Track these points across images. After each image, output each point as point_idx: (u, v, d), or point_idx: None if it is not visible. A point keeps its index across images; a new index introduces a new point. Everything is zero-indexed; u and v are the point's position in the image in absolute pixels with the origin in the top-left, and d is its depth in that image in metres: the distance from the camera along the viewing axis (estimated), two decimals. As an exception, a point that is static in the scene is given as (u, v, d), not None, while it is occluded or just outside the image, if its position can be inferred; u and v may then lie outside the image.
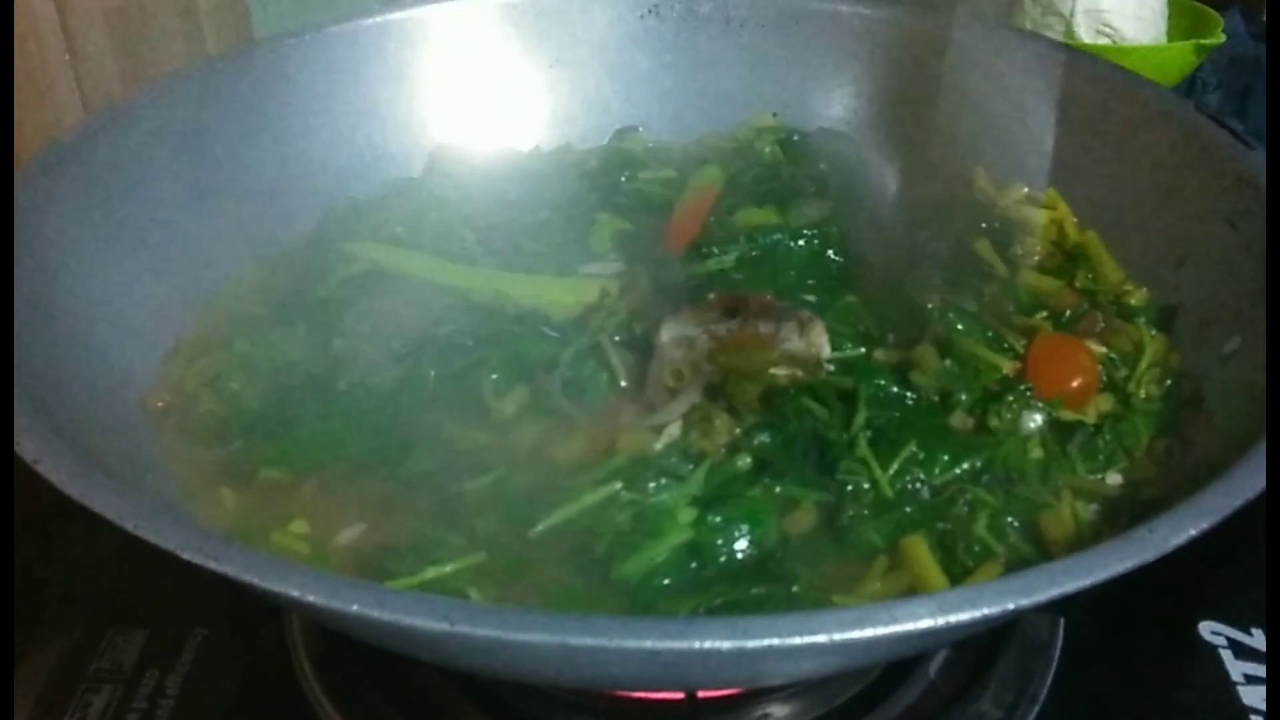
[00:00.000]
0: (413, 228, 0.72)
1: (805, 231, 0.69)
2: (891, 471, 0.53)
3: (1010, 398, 0.57)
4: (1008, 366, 0.60)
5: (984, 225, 0.72)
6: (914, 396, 0.58)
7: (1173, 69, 0.99)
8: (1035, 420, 0.57)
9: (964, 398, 0.57)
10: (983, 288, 0.67)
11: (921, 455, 0.54)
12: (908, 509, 0.53)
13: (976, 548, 0.51)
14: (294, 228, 0.74)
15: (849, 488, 0.53)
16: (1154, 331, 0.64)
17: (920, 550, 0.51)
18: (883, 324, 0.63)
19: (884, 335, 0.62)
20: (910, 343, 0.61)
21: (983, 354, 0.60)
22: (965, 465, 0.54)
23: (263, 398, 0.60)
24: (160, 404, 0.60)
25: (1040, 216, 0.73)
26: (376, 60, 0.79)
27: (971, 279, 0.67)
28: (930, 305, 0.62)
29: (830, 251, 0.69)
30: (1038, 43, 0.80)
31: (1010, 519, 0.52)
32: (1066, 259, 0.70)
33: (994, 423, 0.57)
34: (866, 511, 0.52)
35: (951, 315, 0.62)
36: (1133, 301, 0.66)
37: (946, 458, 0.54)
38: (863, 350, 0.61)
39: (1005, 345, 0.61)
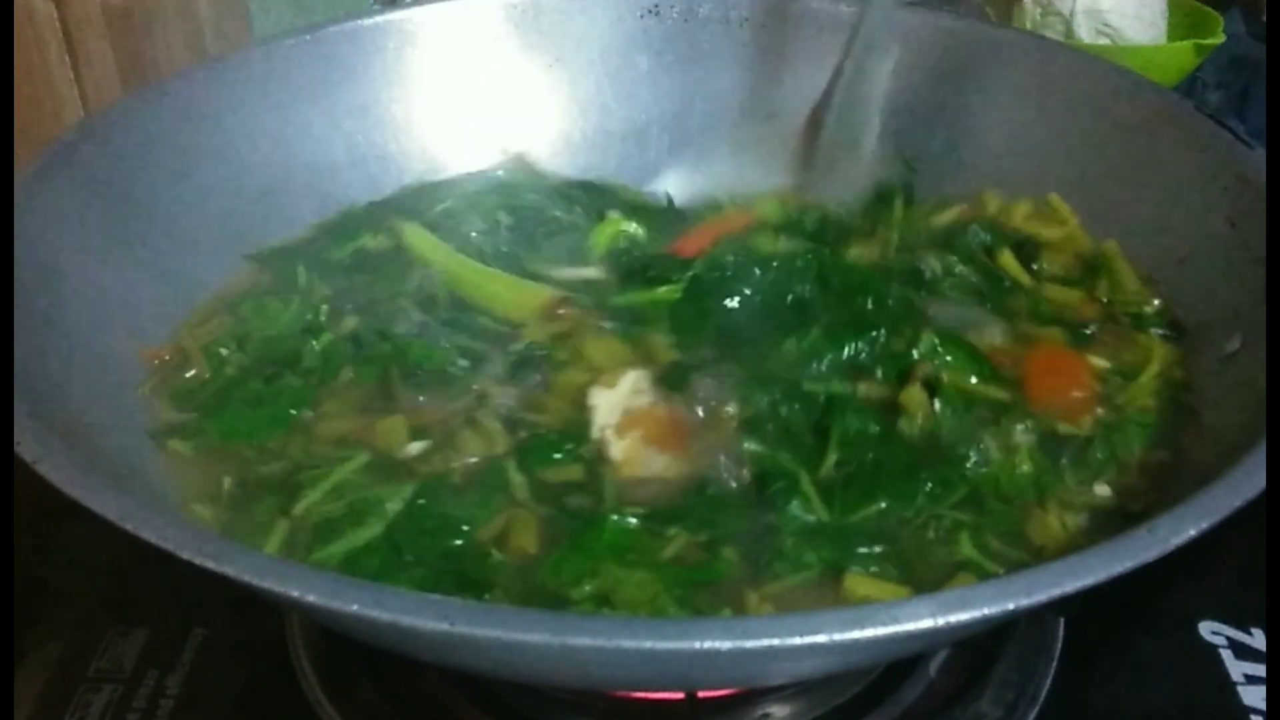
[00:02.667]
0: (451, 214, 0.75)
1: (771, 264, 0.67)
2: (861, 513, 0.53)
3: (1003, 421, 0.57)
4: (1003, 394, 0.60)
5: (1007, 241, 0.71)
6: (892, 436, 0.57)
7: (1173, 69, 0.99)
8: (1026, 438, 0.57)
9: (952, 440, 0.57)
10: (1005, 301, 0.67)
11: (896, 502, 0.53)
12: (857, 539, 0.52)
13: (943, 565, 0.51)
14: (294, 228, 0.74)
15: (790, 520, 0.52)
16: (1164, 343, 0.63)
17: (863, 584, 0.50)
18: (874, 357, 0.62)
19: (873, 368, 0.61)
20: (901, 376, 0.60)
21: (976, 390, 0.59)
22: (948, 499, 0.54)
23: (241, 368, 0.63)
24: (156, 359, 0.61)
25: (1055, 232, 0.72)
26: (376, 60, 0.79)
27: (997, 293, 0.67)
28: (920, 348, 0.61)
29: (799, 286, 0.66)
30: (1037, 43, 0.80)
31: (993, 533, 0.52)
32: (1087, 270, 0.70)
33: (985, 442, 0.56)
34: (793, 540, 0.52)
35: (941, 349, 0.61)
36: (1148, 310, 0.65)
37: (921, 499, 0.53)
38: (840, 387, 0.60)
39: (999, 375, 0.61)
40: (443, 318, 0.66)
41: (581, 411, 0.58)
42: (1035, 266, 0.70)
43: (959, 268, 0.69)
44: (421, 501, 0.53)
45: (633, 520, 0.52)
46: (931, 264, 0.69)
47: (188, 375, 0.62)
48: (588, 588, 0.49)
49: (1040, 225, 0.73)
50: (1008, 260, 0.70)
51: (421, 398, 0.60)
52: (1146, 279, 0.67)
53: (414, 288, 0.69)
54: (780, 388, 0.59)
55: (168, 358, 0.62)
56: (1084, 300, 0.67)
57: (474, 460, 0.56)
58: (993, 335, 0.64)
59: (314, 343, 0.64)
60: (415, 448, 0.57)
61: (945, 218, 0.76)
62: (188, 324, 0.65)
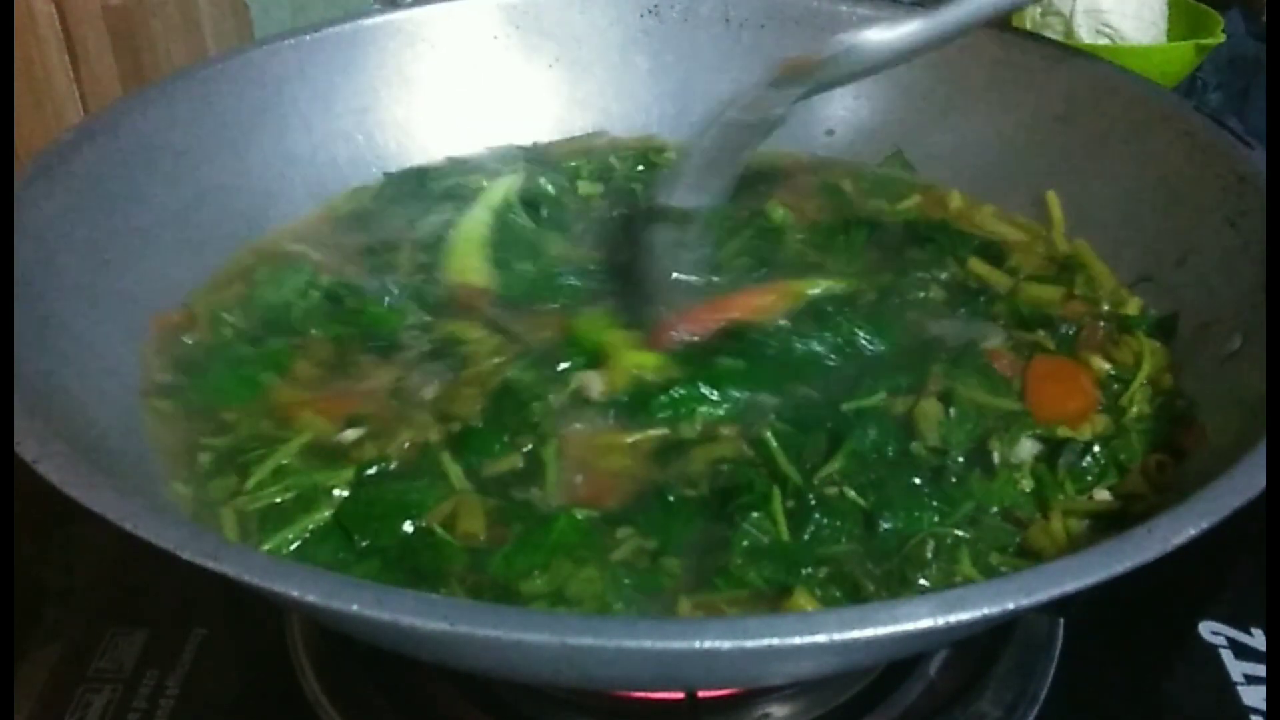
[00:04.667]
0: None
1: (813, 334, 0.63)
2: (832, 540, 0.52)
3: (1009, 430, 0.57)
4: (1011, 405, 0.59)
5: (974, 243, 0.72)
6: (899, 453, 0.56)
7: (1173, 69, 0.99)
8: (1030, 450, 0.57)
9: (960, 457, 0.56)
10: (991, 309, 0.66)
11: (899, 524, 0.53)
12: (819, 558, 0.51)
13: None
14: (295, 226, 0.74)
15: (744, 542, 0.51)
16: (1155, 344, 0.63)
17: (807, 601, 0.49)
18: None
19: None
20: (912, 391, 0.59)
21: (989, 401, 0.59)
22: (951, 518, 0.53)
23: (237, 331, 0.64)
24: (167, 323, 0.63)
25: (1015, 233, 0.73)
26: (376, 60, 0.79)
27: (980, 302, 0.67)
28: (937, 366, 0.60)
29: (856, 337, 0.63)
30: (1037, 43, 0.80)
31: (993, 549, 0.52)
32: (1060, 269, 0.70)
33: (993, 446, 0.56)
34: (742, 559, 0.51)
35: (957, 366, 0.60)
36: (1130, 311, 0.65)
37: (936, 518, 0.53)
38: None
39: (1007, 386, 0.60)
40: (415, 285, 0.68)
41: (503, 401, 0.59)
42: (1008, 266, 0.70)
43: (942, 276, 0.69)
44: (366, 487, 0.54)
45: (582, 517, 0.52)
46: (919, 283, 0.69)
47: (189, 341, 0.63)
48: (539, 582, 0.49)
49: (1006, 227, 0.74)
50: (977, 265, 0.70)
51: (373, 371, 0.61)
52: (1145, 277, 0.67)
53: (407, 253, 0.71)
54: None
55: (178, 321, 0.64)
56: (1065, 298, 0.67)
57: (407, 446, 0.57)
58: (993, 343, 0.64)
59: (302, 301, 0.65)
60: (350, 434, 0.57)
61: (904, 206, 0.76)
62: (202, 290, 0.66)
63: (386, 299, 0.66)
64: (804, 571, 0.50)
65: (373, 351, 0.63)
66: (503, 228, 0.73)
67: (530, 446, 0.56)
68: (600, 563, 0.50)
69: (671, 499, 0.54)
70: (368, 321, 0.64)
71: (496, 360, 0.62)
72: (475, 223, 0.73)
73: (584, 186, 0.79)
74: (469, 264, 0.70)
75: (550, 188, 0.78)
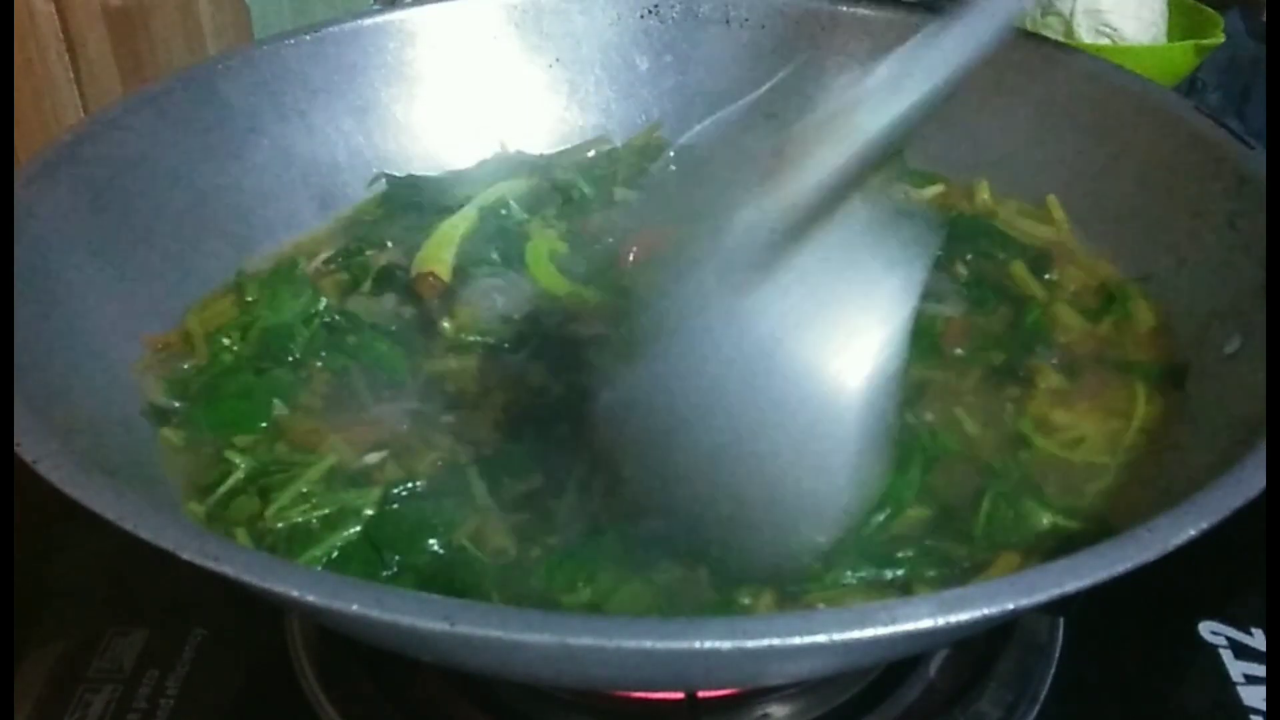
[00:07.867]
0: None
1: None
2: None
3: None
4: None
5: (1018, 247, 0.71)
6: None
7: (1173, 69, 0.99)
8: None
9: None
10: (1010, 312, 0.66)
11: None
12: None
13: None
14: (295, 227, 0.74)
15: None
16: (1152, 394, 0.60)
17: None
18: None
19: None
20: None
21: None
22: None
23: (238, 357, 0.63)
24: (159, 345, 0.62)
25: (1045, 231, 0.72)
26: (376, 60, 0.79)
27: (999, 302, 0.67)
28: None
29: None
30: (1037, 43, 0.80)
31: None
32: (1105, 299, 0.67)
33: None
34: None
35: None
36: (1143, 357, 0.62)
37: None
38: None
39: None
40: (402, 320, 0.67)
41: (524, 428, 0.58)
42: (1047, 279, 0.69)
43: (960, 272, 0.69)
44: (394, 506, 0.54)
45: (617, 529, 0.52)
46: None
47: (186, 366, 0.62)
48: (582, 595, 0.49)
49: (1032, 224, 0.73)
50: (1019, 270, 0.69)
51: (377, 403, 0.60)
52: (1145, 277, 0.67)
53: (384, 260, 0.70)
54: None
55: (170, 343, 0.63)
56: (1086, 333, 0.65)
57: (439, 465, 0.56)
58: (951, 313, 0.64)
59: (304, 328, 0.64)
60: (373, 458, 0.57)
61: (929, 194, 0.77)
62: (201, 301, 0.66)
63: (392, 327, 0.66)
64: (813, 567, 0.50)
65: (379, 384, 0.62)
66: (485, 223, 0.73)
67: (562, 462, 0.56)
68: (643, 576, 0.50)
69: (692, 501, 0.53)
70: (369, 359, 0.63)
71: (492, 388, 0.61)
72: (460, 219, 0.73)
73: (620, 192, 0.78)
74: (436, 255, 0.69)
75: (588, 189, 0.78)
